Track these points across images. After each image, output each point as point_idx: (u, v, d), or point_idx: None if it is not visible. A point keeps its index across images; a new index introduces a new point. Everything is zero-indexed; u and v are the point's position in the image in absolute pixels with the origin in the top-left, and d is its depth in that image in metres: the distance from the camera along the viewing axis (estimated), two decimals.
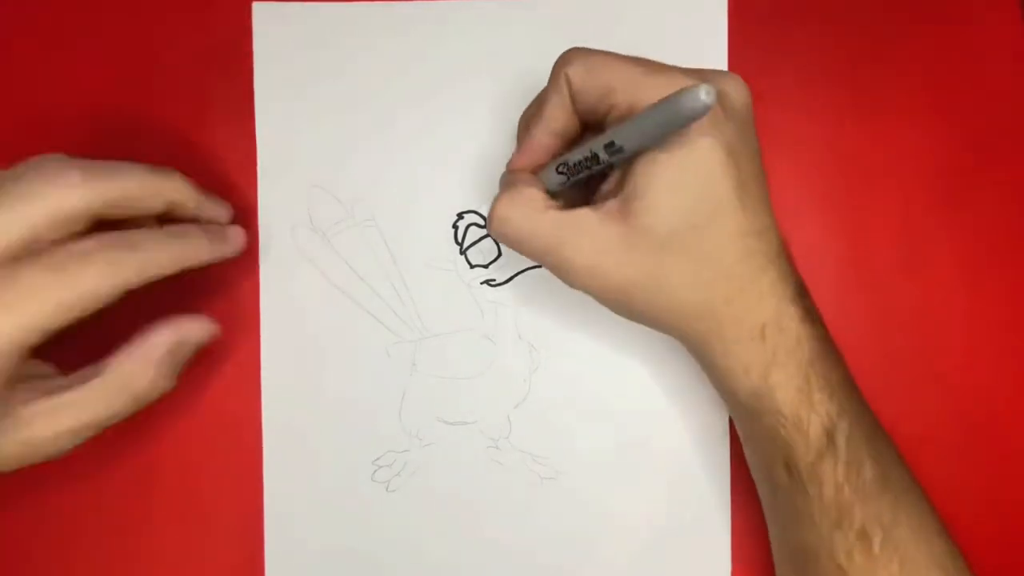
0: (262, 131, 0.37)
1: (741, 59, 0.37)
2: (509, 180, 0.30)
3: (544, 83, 0.37)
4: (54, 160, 0.28)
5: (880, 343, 0.37)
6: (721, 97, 0.28)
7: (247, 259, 0.37)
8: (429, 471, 0.37)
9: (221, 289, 0.37)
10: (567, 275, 0.29)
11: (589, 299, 0.37)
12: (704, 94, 0.23)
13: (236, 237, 0.33)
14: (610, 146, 0.27)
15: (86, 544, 0.37)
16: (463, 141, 0.37)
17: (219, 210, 0.33)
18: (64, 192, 0.27)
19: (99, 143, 0.37)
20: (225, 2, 0.37)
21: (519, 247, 0.29)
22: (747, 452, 0.33)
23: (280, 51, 0.37)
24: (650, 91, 0.27)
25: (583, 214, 0.28)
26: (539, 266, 0.37)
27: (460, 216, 0.37)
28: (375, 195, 0.37)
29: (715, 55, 0.37)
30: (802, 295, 0.30)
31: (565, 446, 0.37)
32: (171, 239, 0.30)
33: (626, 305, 0.30)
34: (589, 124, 0.30)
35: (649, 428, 0.37)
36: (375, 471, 0.37)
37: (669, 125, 0.25)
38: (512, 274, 0.37)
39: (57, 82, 0.37)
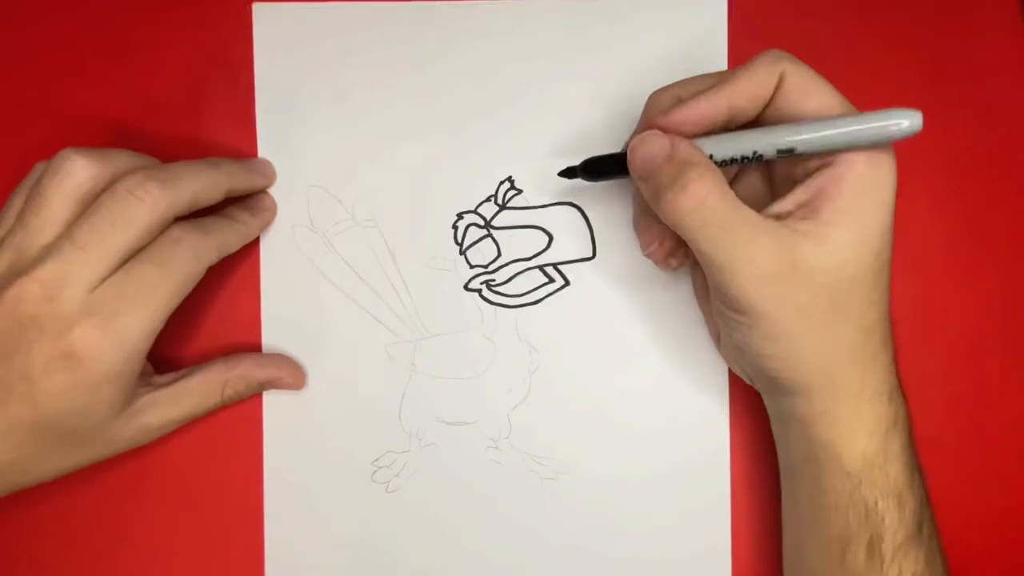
0: (262, 131, 0.37)
1: (741, 59, 0.37)
2: (685, 155, 0.28)
3: (541, 83, 0.37)
4: (135, 179, 0.30)
5: None
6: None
7: (247, 259, 0.37)
8: (429, 472, 0.37)
9: (221, 289, 0.37)
10: (731, 278, 0.27)
11: (588, 299, 0.37)
12: (914, 118, 0.24)
13: (270, 205, 0.37)
14: (786, 151, 0.27)
15: (85, 544, 0.37)
16: (463, 141, 0.37)
17: (261, 181, 0.36)
18: (150, 209, 0.30)
19: (99, 143, 0.37)
20: (225, 2, 0.37)
21: (700, 234, 0.27)
22: (811, 525, 0.32)
23: (280, 51, 0.37)
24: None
25: (776, 225, 0.27)
26: (538, 267, 0.37)
27: (460, 216, 0.37)
28: (375, 195, 0.37)
29: (715, 55, 0.37)
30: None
31: (565, 446, 0.37)
32: (230, 222, 0.34)
33: (767, 338, 0.28)
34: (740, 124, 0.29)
35: (649, 429, 0.37)
36: (375, 471, 0.37)
37: (863, 141, 0.26)
38: (512, 275, 0.37)
39: (58, 82, 0.37)
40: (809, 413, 0.30)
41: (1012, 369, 0.37)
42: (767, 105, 0.29)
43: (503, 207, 0.37)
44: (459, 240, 0.37)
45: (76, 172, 0.30)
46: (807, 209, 0.28)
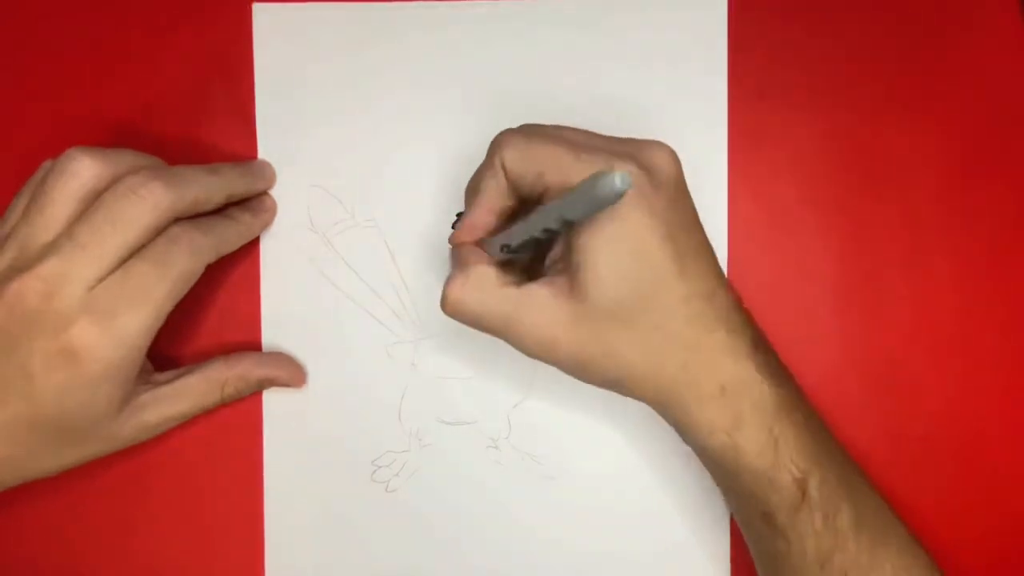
0: (262, 131, 0.37)
1: (741, 59, 0.37)
2: (459, 258, 0.31)
3: (540, 83, 0.37)
4: (138, 179, 0.30)
5: (880, 344, 0.37)
6: (652, 169, 0.28)
7: (247, 259, 0.37)
8: (429, 471, 0.37)
9: (221, 288, 0.37)
10: (522, 348, 0.30)
11: None
12: (619, 181, 0.23)
13: (270, 205, 0.37)
14: (547, 229, 0.28)
15: (85, 543, 0.37)
16: (463, 141, 0.37)
17: (261, 185, 0.37)
18: (152, 209, 0.30)
19: (100, 143, 0.37)
20: (225, 2, 0.37)
21: (474, 326, 0.30)
22: (726, 500, 0.34)
23: (280, 52, 0.37)
24: (578, 173, 0.27)
25: (534, 290, 0.29)
26: None
27: (460, 216, 0.37)
28: (375, 195, 0.37)
29: (715, 55, 0.37)
30: (760, 348, 0.30)
31: (565, 446, 0.37)
32: (230, 222, 0.34)
33: (583, 374, 0.30)
34: (528, 201, 0.31)
35: (649, 428, 0.37)
36: (375, 471, 0.37)
37: (591, 209, 0.26)
38: None
39: (58, 83, 0.37)
40: (660, 415, 0.32)
41: (1012, 370, 0.37)
42: (525, 191, 0.30)
43: None
44: None
45: (81, 171, 0.30)
46: (563, 259, 0.30)
